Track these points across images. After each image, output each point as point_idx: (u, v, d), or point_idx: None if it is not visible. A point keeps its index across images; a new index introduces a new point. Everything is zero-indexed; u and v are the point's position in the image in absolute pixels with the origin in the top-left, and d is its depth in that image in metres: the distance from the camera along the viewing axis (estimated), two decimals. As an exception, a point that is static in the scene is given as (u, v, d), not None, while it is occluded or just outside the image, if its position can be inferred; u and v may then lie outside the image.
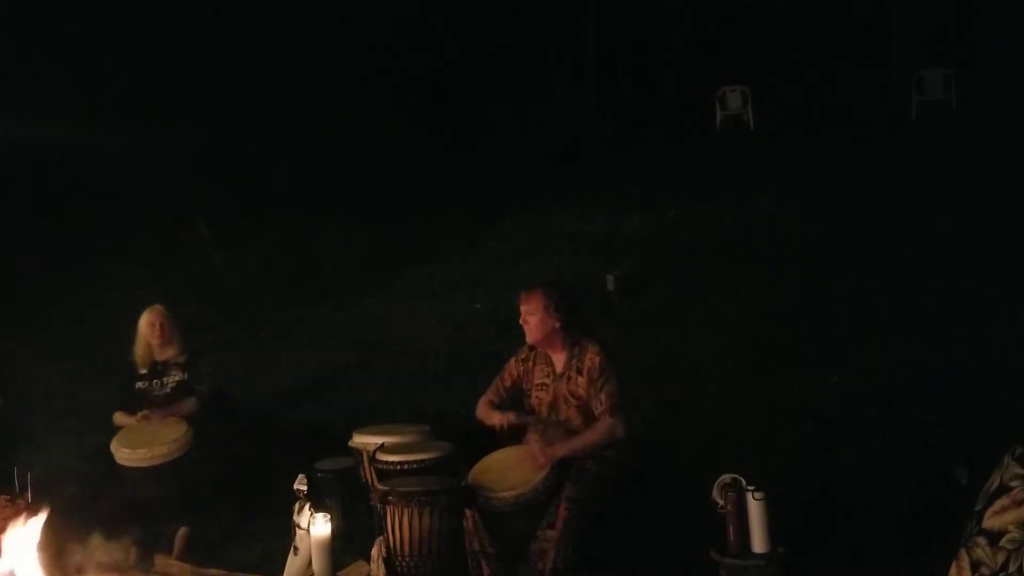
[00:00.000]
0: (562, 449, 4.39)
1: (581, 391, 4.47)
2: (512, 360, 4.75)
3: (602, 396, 4.40)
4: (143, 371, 5.81)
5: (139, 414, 5.61)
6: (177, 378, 5.76)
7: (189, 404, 5.67)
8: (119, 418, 5.69)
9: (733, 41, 16.43)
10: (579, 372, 4.50)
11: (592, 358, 4.47)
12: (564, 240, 9.99)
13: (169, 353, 5.82)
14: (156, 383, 5.75)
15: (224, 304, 9.59)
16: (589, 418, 4.46)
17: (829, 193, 9.85)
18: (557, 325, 4.51)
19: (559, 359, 4.58)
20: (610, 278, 8.31)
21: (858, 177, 10.38)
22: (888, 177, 10.15)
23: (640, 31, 17.29)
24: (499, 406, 4.70)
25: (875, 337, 6.65)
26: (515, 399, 4.73)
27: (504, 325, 7.89)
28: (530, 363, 4.67)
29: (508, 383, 4.73)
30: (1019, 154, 9.66)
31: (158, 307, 5.90)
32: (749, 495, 3.95)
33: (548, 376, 4.60)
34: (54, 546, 4.47)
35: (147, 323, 5.83)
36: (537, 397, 4.62)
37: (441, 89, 16.40)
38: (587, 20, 17.41)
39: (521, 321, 4.57)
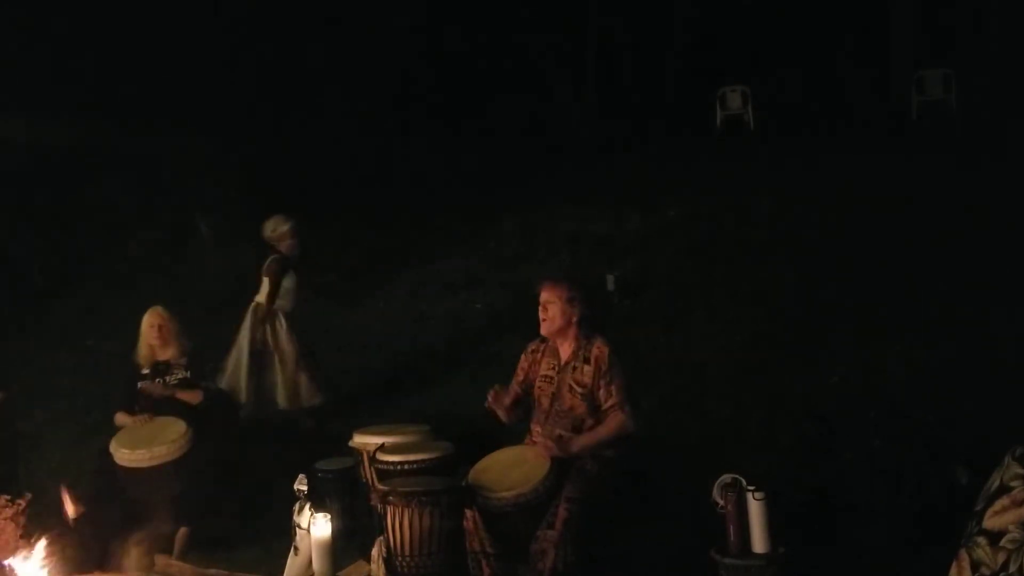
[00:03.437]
0: (575, 445, 4.42)
1: (587, 379, 4.53)
2: (523, 356, 4.83)
3: (612, 388, 4.47)
4: (145, 371, 5.82)
5: (139, 417, 5.61)
6: (180, 375, 5.79)
7: (194, 395, 5.70)
8: (120, 419, 5.70)
9: (733, 41, 16.41)
10: (586, 361, 4.56)
11: (600, 348, 4.55)
12: (564, 240, 9.97)
13: (170, 353, 5.84)
14: (159, 381, 5.76)
15: (224, 304, 9.56)
16: (592, 407, 4.51)
17: (829, 193, 9.82)
18: (575, 318, 4.61)
19: (566, 351, 4.65)
20: (610, 278, 8.30)
21: (858, 177, 10.36)
22: (888, 177, 10.13)
23: (640, 31, 17.27)
24: (515, 402, 4.76)
25: (875, 337, 6.64)
26: (529, 394, 4.79)
27: (504, 325, 7.91)
28: (539, 355, 4.76)
29: (521, 377, 4.80)
30: (1019, 154, 9.65)
31: (158, 308, 5.93)
32: (749, 495, 3.96)
33: (553, 368, 4.67)
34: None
35: (147, 324, 5.87)
36: (540, 388, 4.70)
37: (442, 88, 16.38)
38: (588, 19, 17.40)
39: (540, 309, 4.64)
